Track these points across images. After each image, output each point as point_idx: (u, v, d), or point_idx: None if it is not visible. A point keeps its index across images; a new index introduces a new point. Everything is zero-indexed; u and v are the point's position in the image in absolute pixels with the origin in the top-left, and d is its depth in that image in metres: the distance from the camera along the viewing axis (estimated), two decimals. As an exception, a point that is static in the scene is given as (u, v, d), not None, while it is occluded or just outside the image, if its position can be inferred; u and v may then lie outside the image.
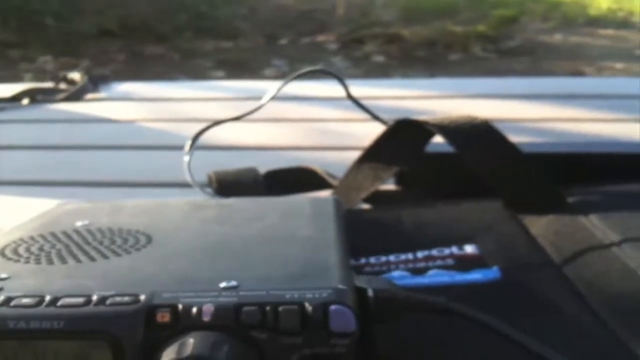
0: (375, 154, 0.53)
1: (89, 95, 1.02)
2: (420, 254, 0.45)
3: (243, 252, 0.34)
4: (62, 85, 1.05)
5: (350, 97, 0.66)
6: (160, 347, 0.26)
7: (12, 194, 0.65)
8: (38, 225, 0.39)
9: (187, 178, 0.53)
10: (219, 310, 0.26)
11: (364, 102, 0.67)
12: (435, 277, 0.42)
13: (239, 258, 0.33)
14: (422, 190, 0.54)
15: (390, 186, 0.56)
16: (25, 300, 0.27)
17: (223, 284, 0.28)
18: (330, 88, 0.96)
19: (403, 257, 0.45)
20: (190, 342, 0.25)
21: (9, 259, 0.34)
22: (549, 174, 0.49)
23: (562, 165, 0.52)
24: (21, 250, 0.35)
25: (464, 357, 0.33)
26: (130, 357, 0.26)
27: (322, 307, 0.26)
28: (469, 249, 0.44)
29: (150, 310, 0.27)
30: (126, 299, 0.27)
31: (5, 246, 0.36)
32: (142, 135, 0.84)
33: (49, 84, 1.06)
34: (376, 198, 0.54)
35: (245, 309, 0.26)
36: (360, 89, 0.72)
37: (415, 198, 0.53)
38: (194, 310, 0.26)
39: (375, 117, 0.64)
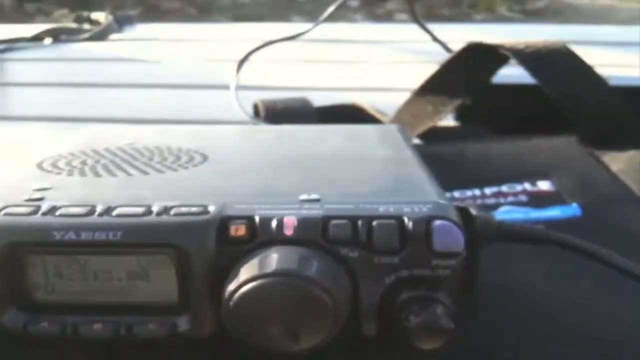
0: (436, 85, 0.48)
1: (114, 36, 0.97)
2: (488, 190, 0.42)
3: (317, 168, 0.29)
4: (86, 26, 1.01)
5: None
6: (233, 263, 0.22)
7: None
8: (74, 143, 0.35)
9: (233, 102, 0.48)
10: (304, 224, 0.22)
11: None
12: (508, 213, 0.39)
13: (314, 174, 0.28)
14: (483, 128, 0.50)
15: (447, 123, 0.51)
16: (74, 210, 0.23)
17: (303, 197, 0.24)
18: (363, 29, 0.92)
19: (469, 192, 0.41)
20: (274, 256, 0.21)
21: (49, 171, 0.29)
22: (633, 108, 0.44)
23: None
24: (61, 164, 0.31)
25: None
26: (198, 273, 0.22)
27: (424, 222, 0.22)
28: (543, 185, 0.41)
29: (223, 222, 0.22)
30: (194, 209, 0.23)
31: (42, 160, 0.31)
32: (171, 74, 0.80)
33: (71, 25, 1.02)
34: (432, 135, 0.49)
35: (334, 222, 0.22)
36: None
37: (476, 135, 0.49)
38: (274, 223, 0.22)
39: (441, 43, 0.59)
